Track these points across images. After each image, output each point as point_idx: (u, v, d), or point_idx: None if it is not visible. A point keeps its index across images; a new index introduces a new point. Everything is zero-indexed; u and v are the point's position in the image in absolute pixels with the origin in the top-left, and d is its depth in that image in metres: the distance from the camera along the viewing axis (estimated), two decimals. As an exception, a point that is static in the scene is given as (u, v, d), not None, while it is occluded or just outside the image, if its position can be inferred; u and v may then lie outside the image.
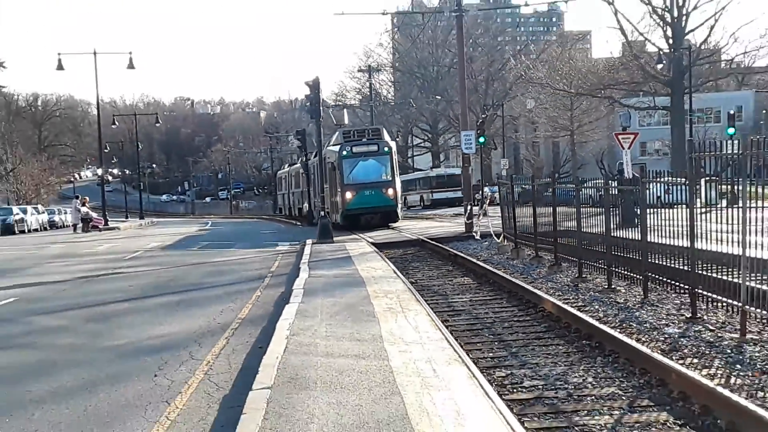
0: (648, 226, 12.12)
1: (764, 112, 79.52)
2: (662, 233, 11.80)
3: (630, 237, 13.14)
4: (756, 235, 8.89)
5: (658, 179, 12.53)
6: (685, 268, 10.81)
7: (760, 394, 6.97)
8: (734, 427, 6.00)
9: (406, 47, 78.51)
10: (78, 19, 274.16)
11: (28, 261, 25.52)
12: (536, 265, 17.67)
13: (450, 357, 8.03)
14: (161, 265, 22.10)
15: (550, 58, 69.33)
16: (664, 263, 11.81)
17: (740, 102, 73.18)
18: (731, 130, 38.88)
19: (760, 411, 5.93)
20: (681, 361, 8.07)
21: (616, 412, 6.74)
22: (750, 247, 8.96)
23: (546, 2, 54.22)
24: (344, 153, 33.47)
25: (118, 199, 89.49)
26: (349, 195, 33.13)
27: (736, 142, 9.99)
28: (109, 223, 53.15)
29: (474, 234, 26.25)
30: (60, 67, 48.37)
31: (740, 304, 9.16)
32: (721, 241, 9.90)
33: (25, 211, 55.72)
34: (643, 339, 9.38)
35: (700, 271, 10.42)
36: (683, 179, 11.33)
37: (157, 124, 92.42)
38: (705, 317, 10.21)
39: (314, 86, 27.59)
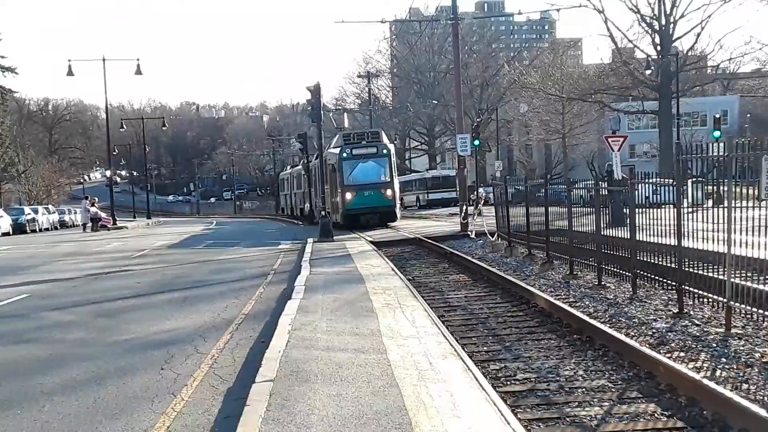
0: (637, 225, 12.13)
1: (748, 116, 79.56)
2: (650, 232, 11.81)
3: (619, 236, 13.14)
4: (740, 233, 8.90)
5: (647, 180, 12.56)
6: (673, 265, 10.81)
7: (745, 386, 6.97)
8: (720, 418, 6.00)
9: (404, 54, 78.50)
10: (88, 26, 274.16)
11: (39, 259, 25.48)
12: (529, 262, 17.66)
13: (446, 351, 8.03)
14: (168, 263, 22.08)
15: (542, 64, 69.31)
16: (652, 261, 11.82)
17: (725, 106, 73.22)
18: (717, 134, 38.92)
19: (745, 402, 5.94)
20: (668, 355, 8.08)
21: (606, 404, 6.74)
22: (734, 245, 8.97)
23: (538, 11, 54.33)
24: (344, 155, 33.48)
25: (126, 200, 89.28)
26: (349, 195, 33.15)
27: (721, 144, 10.01)
28: (117, 222, 53.11)
29: (469, 233, 26.24)
30: (70, 73, 48.34)
31: (725, 300, 9.17)
32: (707, 239, 9.90)
33: (36, 211, 55.70)
34: (632, 333, 9.38)
35: (686, 269, 10.43)
36: (671, 180, 11.33)
37: (164, 128, 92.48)
38: (691, 313, 10.21)
39: (315, 91, 27.61)
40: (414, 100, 76.65)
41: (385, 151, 34.18)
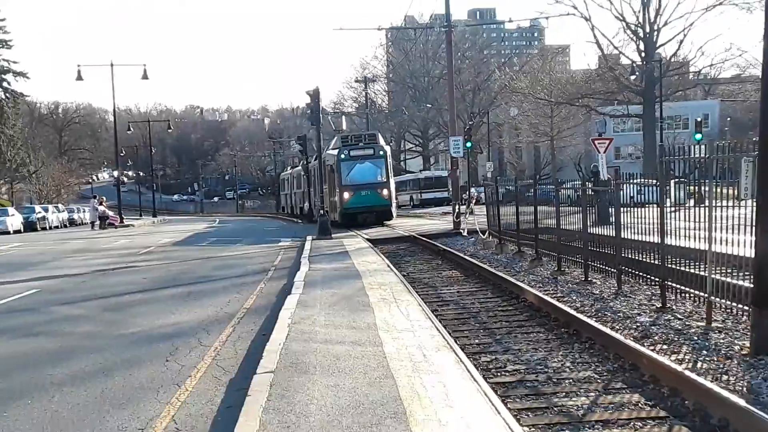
0: (622, 223, 12.14)
1: (728, 119, 79.72)
2: (635, 230, 11.83)
3: (605, 234, 13.16)
4: (720, 231, 8.91)
5: (631, 181, 12.58)
6: (656, 262, 10.83)
7: (725, 377, 6.98)
8: (701, 407, 6.01)
9: (399, 60, 78.51)
10: (97, 32, 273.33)
11: (49, 255, 25.44)
12: (519, 259, 17.67)
13: (439, 343, 8.03)
14: (172, 260, 22.05)
15: (531, 69, 69.40)
16: (637, 258, 11.84)
17: (707, 110, 73.33)
18: (698, 136, 39.03)
19: (725, 393, 5.96)
20: (652, 347, 8.08)
21: (592, 394, 6.74)
22: (715, 242, 8.99)
23: (528, 19, 54.57)
24: (342, 156, 33.48)
25: (133, 199, 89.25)
26: (346, 195, 33.15)
27: (702, 147, 10.02)
28: (124, 220, 53.05)
29: (461, 231, 26.25)
30: (79, 78, 48.29)
31: (706, 295, 9.18)
32: (689, 237, 9.92)
33: (46, 210, 55.65)
34: (617, 327, 9.39)
35: (669, 265, 10.45)
36: (654, 181, 11.36)
37: (169, 130, 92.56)
38: (674, 307, 10.22)
39: (314, 95, 27.57)
40: (409, 104, 76.72)
41: (381, 152, 34.17)
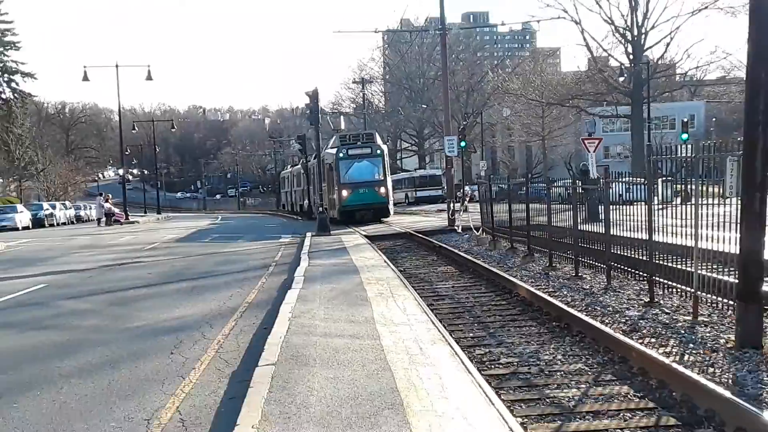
0: (611, 220, 12.14)
1: (714, 120, 79.75)
2: (623, 227, 11.83)
3: (595, 230, 13.17)
4: (706, 229, 8.92)
5: (620, 179, 12.58)
6: (644, 258, 10.84)
7: (711, 369, 6.99)
8: (688, 399, 6.01)
9: (396, 61, 78.41)
10: (102, 34, 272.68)
11: (56, 251, 25.39)
12: (511, 255, 17.68)
13: (435, 337, 8.03)
14: (176, 255, 22.03)
15: (523, 71, 69.43)
16: (626, 254, 11.84)
17: (693, 111, 73.33)
18: (685, 136, 39.07)
19: (711, 384, 5.96)
20: (640, 341, 8.09)
21: (583, 386, 6.75)
22: (701, 239, 9.00)
23: (520, 22, 54.56)
24: (341, 155, 33.45)
25: (138, 196, 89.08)
26: (345, 193, 33.13)
27: (689, 146, 10.02)
28: (129, 217, 53.02)
29: (456, 228, 26.25)
30: (85, 78, 48.22)
31: (693, 290, 9.20)
32: (676, 234, 9.92)
33: (54, 207, 55.59)
34: (607, 321, 9.39)
35: (657, 261, 10.45)
36: (642, 179, 11.36)
37: (173, 130, 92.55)
38: (661, 302, 10.23)
39: (313, 96, 27.53)
40: (405, 105, 76.64)
41: (378, 151, 34.14)
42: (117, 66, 50.57)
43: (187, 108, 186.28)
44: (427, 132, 79.68)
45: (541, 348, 8.26)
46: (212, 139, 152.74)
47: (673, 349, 7.81)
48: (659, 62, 52.17)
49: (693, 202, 9.12)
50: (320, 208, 28.93)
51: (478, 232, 22.74)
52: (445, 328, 8.84)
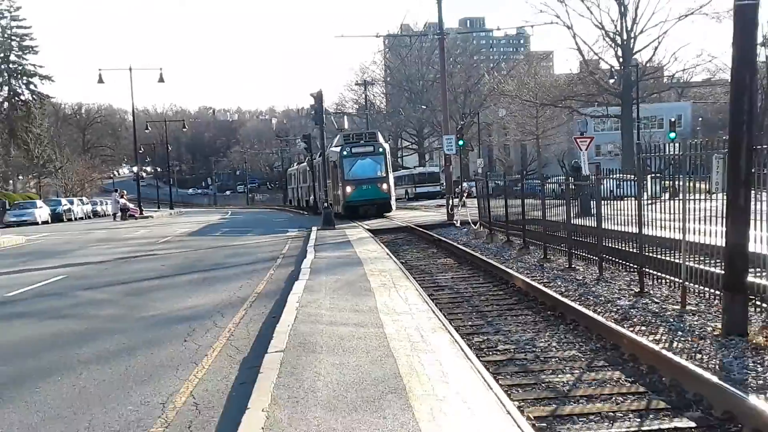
0: (602, 215, 12.13)
1: (700, 119, 79.63)
2: (614, 221, 11.81)
3: (587, 224, 13.14)
4: (694, 222, 8.91)
5: (611, 176, 12.57)
6: (634, 250, 10.82)
7: (698, 356, 6.99)
8: (676, 383, 6.01)
9: (396, 64, 78.35)
10: (116, 38, 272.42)
11: (74, 245, 25.42)
12: (508, 248, 17.66)
13: (435, 325, 8.03)
14: (189, 248, 22.04)
15: (518, 74, 69.34)
16: (617, 247, 11.83)
17: (680, 111, 73.16)
18: (672, 135, 38.92)
19: (698, 370, 5.96)
20: (631, 329, 8.08)
21: (577, 371, 6.75)
22: (689, 233, 8.98)
23: (515, 27, 54.61)
24: (345, 153, 33.41)
25: (151, 193, 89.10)
26: (349, 189, 33.10)
27: (676, 145, 10.01)
28: (143, 212, 52.99)
29: (455, 222, 26.22)
30: (100, 81, 48.19)
31: (681, 281, 9.19)
32: (665, 228, 9.91)
33: (72, 203, 55.69)
34: (599, 310, 9.38)
35: (647, 253, 10.44)
36: (632, 176, 11.34)
37: (184, 129, 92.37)
38: (651, 292, 10.22)
39: (318, 98, 27.50)
40: (405, 105, 76.51)
41: (381, 149, 34.10)
42: (130, 69, 50.56)
43: (198, 109, 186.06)
44: (426, 131, 79.57)
45: (536, 336, 8.26)
46: (222, 138, 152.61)
47: (663, 337, 7.81)
48: (648, 65, 52.12)
49: (681, 197, 9.10)
50: (325, 204, 28.93)
51: (475, 226, 22.73)
52: (445, 316, 8.84)
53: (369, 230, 24.27)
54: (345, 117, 61.71)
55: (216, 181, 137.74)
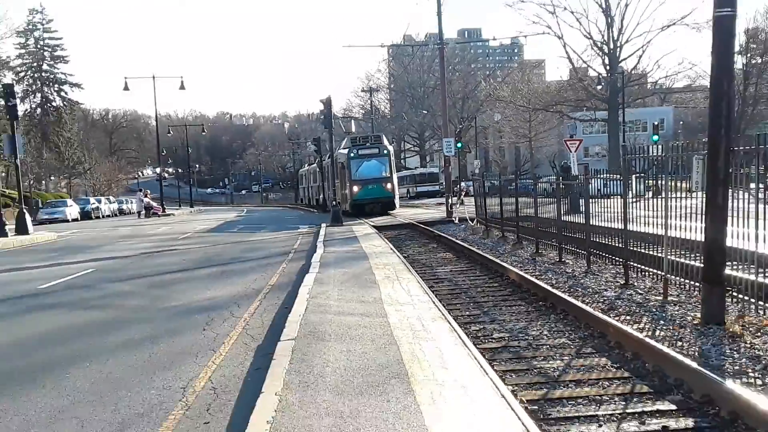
0: (590, 212, 12.10)
1: (681, 123, 79.45)
2: (601, 218, 11.79)
3: (576, 221, 13.13)
4: (675, 219, 8.89)
5: (598, 176, 12.54)
6: (620, 245, 10.81)
7: (679, 343, 6.97)
8: (659, 369, 6.01)
9: (399, 72, 78.31)
10: (140, 46, 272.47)
11: (102, 240, 25.47)
12: (502, 243, 17.65)
13: (435, 315, 8.03)
14: (207, 244, 22.05)
15: (512, 81, 69.10)
16: (604, 242, 11.81)
17: (662, 115, 72.94)
18: (655, 138, 38.84)
19: (679, 356, 5.95)
20: (617, 318, 8.07)
21: (566, 358, 6.74)
22: (671, 228, 8.96)
23: (509, 37, 54.52)
24: (352, 155, 33.39)
25: (173, 192, 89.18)
26: (355, 188, 33.09)
27: (659, 147, 9.98)
28: (166, 210, 53.07)
29: (453, 219, 26.21)
30: (126, 88, 48.34)
31: (663, 273, 9.17)
32: (648, 224, 9.89)
33: (99, 201, 55.81)
34: (587, 301, 9.37)
35: (631, 248, 10.42)
36: (618, 176, 11.31)
37: (203, 133, 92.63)
38: (635, 284, 10.20)
39: (327, 103, 27.51)
40: (408, 110, 76.49)
41: (385, 151, 34.08)
42: (154, 77, 50.70)
43: (216, 114, 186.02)
44: (427, 134, 79.50)
45: (529, 325, 8.25)
46: (238, 141, 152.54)
47: (646, 326, 7.80)
48: (633, 72, 52.08)
49: (663, 195, 9.08)
50: (334, 202, 28.96)
51: (472, 222, 22.71)
52: (444, 307, 8.83)
53: (374, 227, 24.27)
54: (352, 121, 61.65)
55: (233, 181, 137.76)
